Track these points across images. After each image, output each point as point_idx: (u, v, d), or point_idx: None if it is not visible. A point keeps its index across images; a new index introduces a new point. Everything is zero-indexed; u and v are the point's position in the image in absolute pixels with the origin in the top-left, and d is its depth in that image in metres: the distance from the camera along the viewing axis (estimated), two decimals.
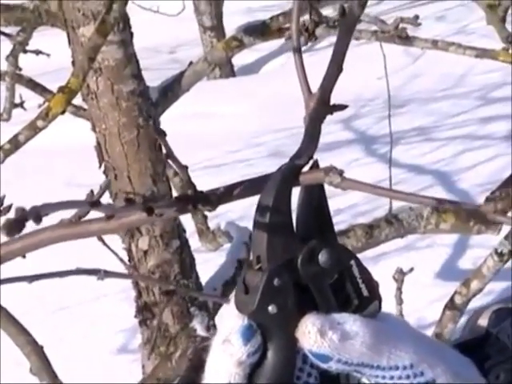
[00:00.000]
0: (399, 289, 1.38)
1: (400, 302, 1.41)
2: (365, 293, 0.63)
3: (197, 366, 1.36)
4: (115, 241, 1.58)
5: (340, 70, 0.65)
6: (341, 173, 0.60)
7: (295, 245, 0.62)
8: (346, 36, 0.65)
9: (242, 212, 3.98)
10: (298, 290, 0.62)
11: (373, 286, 0.64)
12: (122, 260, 1.05)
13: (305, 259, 0.62)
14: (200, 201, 0.67)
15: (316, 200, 0.64)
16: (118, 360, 2.90)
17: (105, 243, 1.03)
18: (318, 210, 0.64)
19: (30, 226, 0.62)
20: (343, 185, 0.60)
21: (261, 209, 0.63)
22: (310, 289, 0.62)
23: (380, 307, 0.63)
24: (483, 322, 0.70)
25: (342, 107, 0.66)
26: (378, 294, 0.64)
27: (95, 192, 0.68)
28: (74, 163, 4.70)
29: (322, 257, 0.62)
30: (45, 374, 1.70)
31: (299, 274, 0.62)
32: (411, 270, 1.46)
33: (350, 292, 0.63)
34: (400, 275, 1.40)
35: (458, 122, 4.59)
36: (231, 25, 5.10)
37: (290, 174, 0.63)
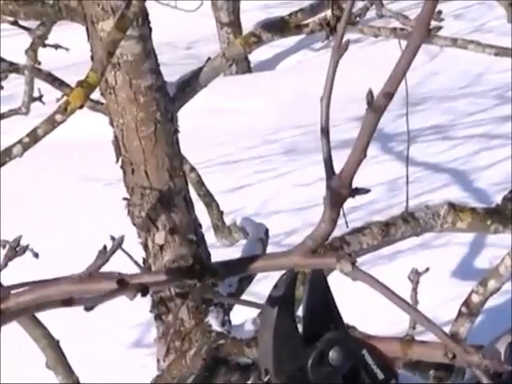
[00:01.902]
0: (414, 289, 1.37)
1: (415, 302, 1.41)
2: (380, 376, 0.63)
3: (211, 365, 1.36)
4: (132, 234, 1.59)
5: (364, 154, 0.65)
6: (353, 262, 0.60)
7: (303, 351, 0.61)
8: (372, 122, 0.64)
9: (258, 208, 3.98)
10: None
11: (388, 366, 0.63)
12: (136, 263, 1.04)
13: (315, 363, 0.61)
14: (207, 274, 0.67)
15: (321, 294, 0.63)
16: (133, 354, 2.91)
17: (114, 238, 1.03)
18: (323, 304, 0.64)
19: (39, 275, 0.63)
20: (353, 275, 0.60)
21: (265, 318, 0.62)
22: None
23: (397, 382, 0.63)
24: (500, 347, 0.69)
25: (364, 191, 0.65)
26: (393, 371, 0.63)
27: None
28: (90, 157, 4.72)
29: (333, 356, 0.62)
30: (60, 367, 1.71)
31: (310, 380, 0.61)
32: (427, 269, 1.45)
33: (365, 379, 0.62)
34: (415, 275, 1.39)
35: (474, 121, 4.56)
36: (248, 21, 5.10)
37: (294, 280, 0.62)
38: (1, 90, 2.12)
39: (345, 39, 0.70)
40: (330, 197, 0.65)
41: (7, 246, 0.64)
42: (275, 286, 0.63)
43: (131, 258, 0.90)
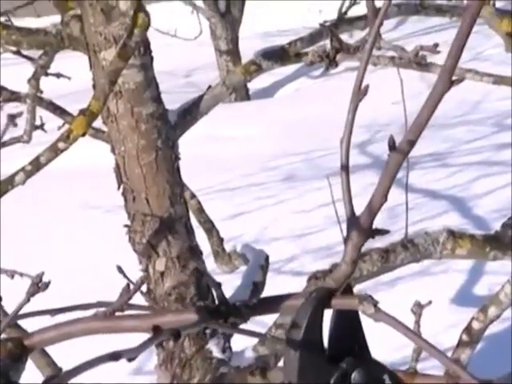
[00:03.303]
0: (417, 322, 1.36)
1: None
2: None
3: None
4: (133, 260, 1.59)
5: (385, 198, 0.67)
6: (375, 304, 0.61)
7: (327, 368, 0.62)
8: (392, 169, 0.66)
9: (258, 234, 3.99)
10: None
11: None
12: (141, 292, 1.05)
13: (337, 382, 0.62)
14: (232, 314, 0.68)
15: (348, 316, 0.64)
16: (133, 381, 2.89)
17: (121, 270, 1.03)
18: (351, 327, 0.65)
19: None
20: (376, 316, 0.61)
21: (293, 332, 0.63)
22: None
23: None
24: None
25: (384, 232, 0.67)
26: None
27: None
28: (91, 185, 4.73)
29: (355, 378, 0.63)
30: None
31: None
32: (429, 302, 1.45)
33: None
34: (418, 308, 1.39)
35: (473, 148, 4.59)
36: (247, 49, 5.14)
37: (323, 298, 0.64)
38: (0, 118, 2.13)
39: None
40: (352, 238, 0.66)
41: (16, 277, 0.65)
42: (304, 304, 0.64)
43: (142, 293, 0.89)
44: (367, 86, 0.68)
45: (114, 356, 0.54)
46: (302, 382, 0.62)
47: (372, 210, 0.66)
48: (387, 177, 0.66)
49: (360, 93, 0.67)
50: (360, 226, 0.66)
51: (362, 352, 0.66)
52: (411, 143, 0.65)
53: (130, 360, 0.56)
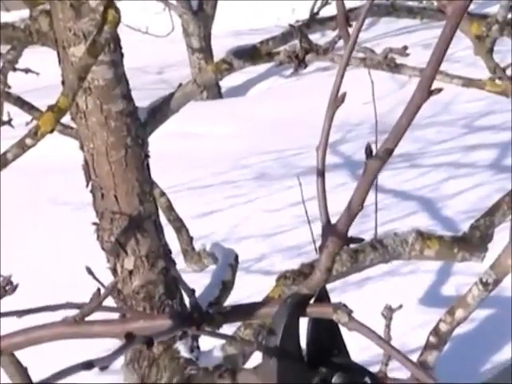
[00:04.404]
0: (388, 326, 1.37)
1: (389, 338, 1.41)
2: None
3: None
4: (101, 259, 1.58)
5: (361, 207, 0.66)
6: (349, 312, 0.61)
7: (306, 374, 0.62)
8: (368, 177, 0.65)
9: (228, 233, 3.98)
10: None
11: None
12: (107, 290, 1.03)
13: None
14: (205, 321, 0.68)
15: (326, 322, 0.64)
16: (100, 380, 2.87)
17: (91, 272, 1.02)
18: (328, 331, 0.64)
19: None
20: (350, 325, 0.61)
21: (270, 340, 0.62)
22: None
23: None
24: None
25: (358, 240, 0.66)
26: None
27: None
28: (60, 181, 4.69)
29: (336, 381, 0.62)
30: None
31: None
32: (400, 306, 1.45)
33: None
34: (389, 312, 1.39)
35: (443, 150, 4.62)
36: (219, 47, 5.13)
37: (298, 304, 0.63)
38: None
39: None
40: (327, 246, 0.66)
41: None
42: (279, 311, 0.63)
43: (113, 296, 0.87)
44: (344, 94, 0.68)
45: (87, 365, 0.54)
46: None
47: (348, 218, 0.66)
48: (364, 185, 0.66)
49: (337, 100, 0.67)
50: (335, 234, 0.66)
51: (341, 355, 0.66)
52: (389, 152, 0.65)
53: (102, 369, 0.56)
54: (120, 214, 1.53)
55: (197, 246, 2.39)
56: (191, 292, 0.70)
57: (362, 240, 0.66)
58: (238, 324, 1.53)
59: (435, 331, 1.34)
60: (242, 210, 4.24)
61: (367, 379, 0.64)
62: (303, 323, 0.67)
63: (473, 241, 1.48)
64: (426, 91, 0.63)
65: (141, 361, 1.52)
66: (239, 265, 1.82)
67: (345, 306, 0.61)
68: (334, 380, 0.63)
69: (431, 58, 0.63)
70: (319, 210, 0.66)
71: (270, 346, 0.63)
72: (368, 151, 0.65)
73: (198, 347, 1.51)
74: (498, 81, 1.53)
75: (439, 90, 0.61)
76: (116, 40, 1.52)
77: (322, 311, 0.63)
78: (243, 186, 4.57)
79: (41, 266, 3.86)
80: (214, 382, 1.26)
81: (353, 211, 0.64)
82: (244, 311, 0.68)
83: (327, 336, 0.65)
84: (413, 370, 0.60)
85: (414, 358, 1.46)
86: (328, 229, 0.66)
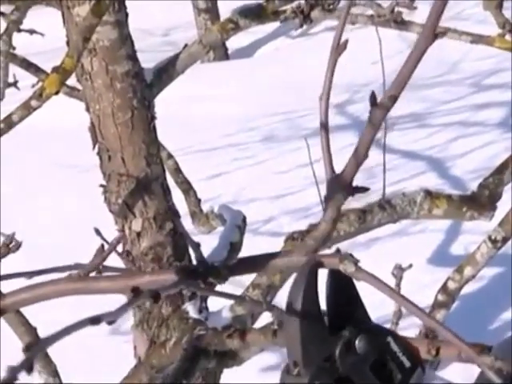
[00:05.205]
0: (398, 285, 1.37)
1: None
2: (407, 364, 0.62)
3: (191, 355, 1.36)
4: (109, 220, 1.58)
5: (366, 156, 0.65)
6: (356, 262, 0.60)
7: (329, 340, 0.61)
8: (373, 126, 0.64)
9: (236, 195, 3.98)
10: (340, 383, 0.61)
11: (413, 354, 0.63)
12: (117, 252, 1.03)
13: (342, 352, 0.61)
14: (210, 275, 0.67)
15: (343, 284, 0.63)
16: (110, 341, 2.90)
17: (99, 233, 1.02)
18: (346, 294, 0.63)
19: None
20: (357, 275, 0.60)
21: (290, 310, 0.61)
22: (352, 379, 0.61)
23: (423, 370, 0.63)
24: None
25: (363, 189, 0.65)
26: (419, 359, 0.63)
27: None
28: (66, 143, 4.69)
29: (359, 344, 0.61)
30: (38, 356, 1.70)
31: (338, 369, 0.61)
32: (410, 266, 1.46)
33: (392, 368, 0.62)
34: (399, 271, 1.39)
35: (451, 109, 4.59)
36: (226, 7, 5.08)
37: (315, 269, 0.62)
38: None
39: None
40: (332, 196, 0.65)
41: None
42: (296, 279, 0.63)
43: (118, 253, 0.88)
44: (346, 41, 0.66)
45: (94, 320, 0.54)
46: (307, 358, 0.61)
47: (353, 167, 0.64)
48: (369, 133, 0.64)
49: (339, 48, 0.66)
50: (340, 184, 0.64)
51: (362, 318, 0.65)
52: (393, 98, 0.63)
53: (109, 323, 0.56)
54: (127, 176, 1.53)
55: (205, 207, 2.40)
56: (196, 246, 0.70)
57: (368, 189, 0.65)
58: (247, 285, 1.53)
59: (443, 289, 1.34)
60: (249, 172, 4.24)
61: (390, 339, 0.63)
62: (322, 290, 0.66)
63: (481, 200, 1.47)
64: (431, 35, 0.61)
65: (150, 322, 1.53)
66: (247, 226, 1.82)
67: (351, 255, 0.60)
68: (357, 343, 0.63)
69: (435, 2, 0.61)
70: (323, 161, 0.65)
71: (292, 313, 0.62)
72: (372, 99, 0.64)
73: (207, 308, 1.52)
74: (507, 37, 1.51)
75: (444, 34, 0.60)
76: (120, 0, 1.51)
77: (328, 262, 0.63)
78: (251, 148, 4.56)
79: (49, 228, 3.87)
80: (223, 343, 1.27)
81: (358, 160, 0.63)
82: (250, 264, 0.68)
83: (346, 299, 0.65)
84: (424, 319, 0.60)
85: None
86: (332, 179, 0.65)
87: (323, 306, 0.63)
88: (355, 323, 0.63)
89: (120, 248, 1.58)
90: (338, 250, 0.63)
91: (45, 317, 1.78)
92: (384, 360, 0.63)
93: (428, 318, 0.61)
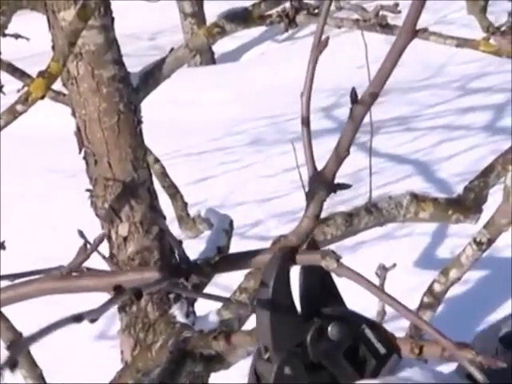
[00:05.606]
0: (382, 285, 1.37)
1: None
2: (382, 350, 0.62)
3: (177, 358, 1.36)
4: (95, 224, 1.58)
5: (347, 153, 0.65)
6: (337, 258, 0.60)
7: (302, 326, 0.61)
8: (354, 122, 0.64)
9: (222, 199, 3.98)
10: (312, 369, 0.61)
11: (389, 340, 0.63)
12: (103, 256, 1.03)
13: (314, 338, 0.61)
14: (193, 272, 0.67)
15: (317, 270, 0.63)
16: (97, 346, 2.89)
17: (83, 235, 1.01)
18: (320, 280, 0.63)
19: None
20: (339, 271, 0.60)
21: (261, 293, 0.61)
22: (324, 364, 0.61)
23: (400, 356, 0.62)
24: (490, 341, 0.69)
25: (346, 186, 0.65)
26: (396, 346, 0.63)
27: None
28: (52, 148, 4.67)
29: (332, 331, 0.61)
30: (23, 360, 1.70)
31: (310, 355, 0.61)
32: (394, 265, 1.46)
33: (366, 354, 0.62)
34: (383, 271, 1.40)
35: (437, 112, 4.61)
36: (212, 12, 5.08)
37: (287, 255, 0.62)
38: None
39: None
40: (313, 193, 0.65)
41: None
42: (268, 265, 0.63)
43: (104, 257, 0.88)
44: (327, 38, 0.66)
45: (77, 318, 0.53)
46: (277, 342, 0.61)
47: (335, 164, 0.65)
48: (350, 129, 0.65)
49: (320, 45, 0.66)
50: (322, 181, 0.65)
51: (336, 305, 0.65)
52: (374, 95, 0.64)
53: (92, 321, 0.55)
54: (113, 180, 1.52)
55: (191, 212, 2.40)
56: (178, 244, 0.70)
57: (350, 186, 0.66)
58: (235, 289, 1.53)
59: (429, 291, 1.35)
60: (236, 176, 4.24)
61: (365, 327, 0.63)
62: (295, 277, 0.66)
63: (467, 203, 1.48)
64: (411, 32, 0.61)
65: (137, 326, 1.53)
66: (234, 230, 1.82)
67: (333, 252, 0.60)
68: (330, 330, 0.62)
69: None
70: (305, 157, 0.65)
71: (262, 299, 0.62)
72: (353, 96, 0.64)
73: (194, 312, 1.52)
74: (492, 41, 1.52)
75: (425, 30, 0.60)
76: (106, 4, 1.51)
77: (311, 258, 0.63)
78: (237, 152, 4.56)
79: (34, 232, 3.85)
80: (209, 346, 1.27)
81: (339, 157, 0.64)
82: (233, 261, 0.68)
83: (320, 286, 0.64)
84: (406, 314, 0.60)
85: None
86: (315, 176, 0.65)
87: (296, 293, 0.63)
88: (330, 311, 0.63)
89: (107, 254, 1.58)
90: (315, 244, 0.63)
91: (28, 317, 1.78)
92: (358, 347, 0.63)
93: (410, 313, 0.61)
